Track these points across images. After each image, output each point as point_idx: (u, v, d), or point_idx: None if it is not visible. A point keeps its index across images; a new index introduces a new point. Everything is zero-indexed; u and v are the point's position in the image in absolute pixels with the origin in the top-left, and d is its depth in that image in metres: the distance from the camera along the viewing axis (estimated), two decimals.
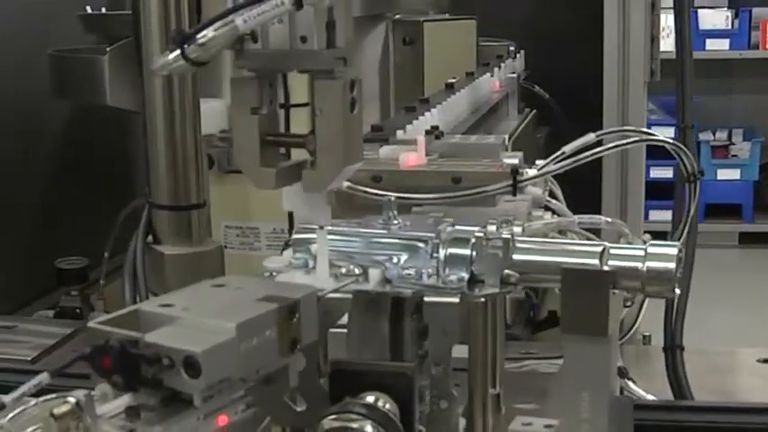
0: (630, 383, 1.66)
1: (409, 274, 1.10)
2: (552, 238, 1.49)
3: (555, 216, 1.54)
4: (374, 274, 1.12)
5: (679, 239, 1.59)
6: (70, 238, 2.74)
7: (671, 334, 1.72)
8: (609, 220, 1.47)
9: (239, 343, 0.93)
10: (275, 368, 0.99)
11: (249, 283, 1.05)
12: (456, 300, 1.07)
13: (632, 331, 1.88)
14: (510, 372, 1.42)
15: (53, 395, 0.93)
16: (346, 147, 1.45)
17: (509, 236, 1.10)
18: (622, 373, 1.67)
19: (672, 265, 1.07)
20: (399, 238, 1.15)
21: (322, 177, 1.45)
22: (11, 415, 0.91)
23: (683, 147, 1.52)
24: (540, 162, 1.51)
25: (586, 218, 1.47)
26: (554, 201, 1.60)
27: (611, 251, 1.08)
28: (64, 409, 0.89)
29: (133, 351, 0.90)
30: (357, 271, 1.12)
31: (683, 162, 1.53)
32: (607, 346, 1.07)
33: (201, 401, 0.91)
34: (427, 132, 1.62)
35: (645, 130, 1.55)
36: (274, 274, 1.15)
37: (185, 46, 1.25)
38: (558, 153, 1.48)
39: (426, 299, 1.08)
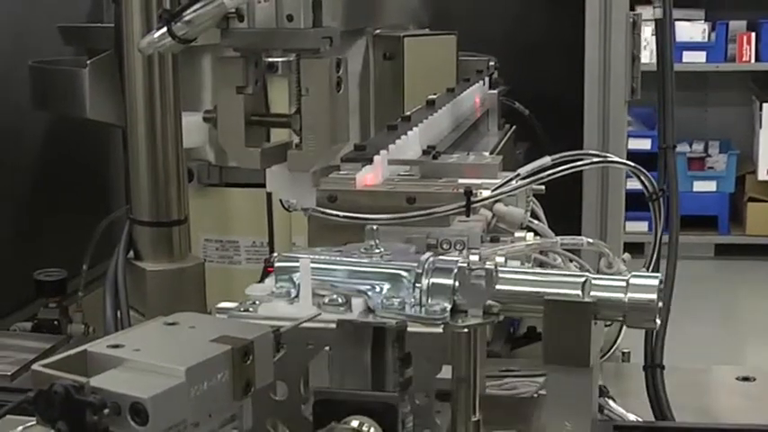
0: (611, 402, 1.66)
1: (392, 304, 1.10)
2: (534, 259, 1.49)
3: (537, 237, 1.54)
4: (357, 303, 1.11)
5: (651, 257, 1.60)
6: (49, 250, 2.73)
7: (651, 353, 1.72)
8: (590, 240, 1.48)
9: (189, 387, 0.90)
10: (229, 413, 0.96)
11: (203, 322, 1.03)
12: (439, 330, 1.08)
13: (612, 350, 1.89)
14: (491, 396, 1.42)
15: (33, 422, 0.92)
16: (333, 126, 1.44)
17: (492, 266, 1.11)
18: (602, 392, 1.67)
19: (653, 296, 1.08)
20: (382, 268, 1.14)
21: (308, 157, 1.44)
22: None
23: (640, 168, 1.53)
24: (495, 181, 1.51)
25: (568, 239, 1.48)
26: (536, 221, 1.61)
27: (594, 282, 1.09)
28: None
29: (78, 397, 0.86)
30: (340, 300, 1.11)
31: (642, 183, 1.55)
32: (589, 375, 1.07)
33: None
34: (424, 152, 1.61)
35: (602, 153, 1.58)
36: (257, 303, 1.15)
37: (172, 23, 1.24)
38: (514, 175, 1.49)
39: (410, 329, 1.08)
